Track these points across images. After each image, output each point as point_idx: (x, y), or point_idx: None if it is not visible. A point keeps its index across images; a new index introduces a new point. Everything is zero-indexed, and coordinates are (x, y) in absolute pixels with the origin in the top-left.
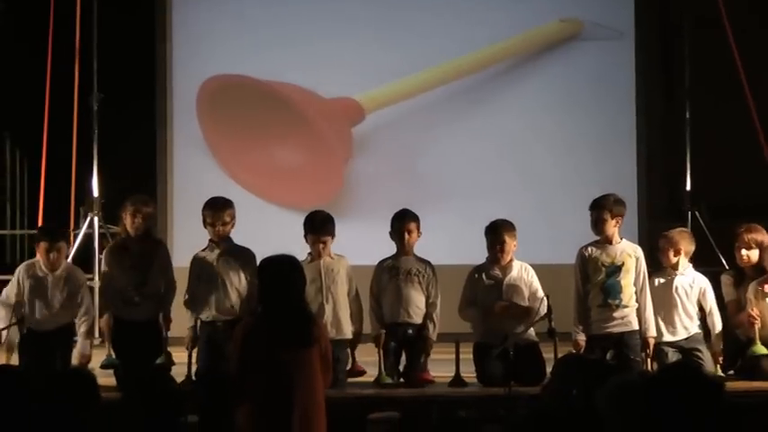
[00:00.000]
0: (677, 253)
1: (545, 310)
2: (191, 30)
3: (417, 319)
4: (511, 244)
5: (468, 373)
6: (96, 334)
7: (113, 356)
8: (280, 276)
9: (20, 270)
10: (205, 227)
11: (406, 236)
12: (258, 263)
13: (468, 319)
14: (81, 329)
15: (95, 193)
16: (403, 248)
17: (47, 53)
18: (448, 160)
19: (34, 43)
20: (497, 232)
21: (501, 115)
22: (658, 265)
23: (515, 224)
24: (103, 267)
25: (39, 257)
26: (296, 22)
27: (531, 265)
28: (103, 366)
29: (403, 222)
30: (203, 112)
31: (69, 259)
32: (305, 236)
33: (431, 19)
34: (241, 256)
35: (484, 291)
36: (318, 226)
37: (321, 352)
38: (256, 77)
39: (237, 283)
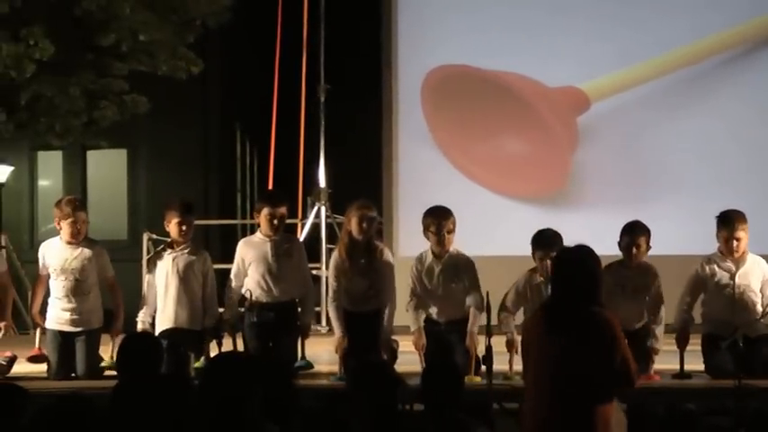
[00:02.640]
0: None
1: None
2: (415, 21)
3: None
4: (745, 236)
5: (695, 364)
6: (323, 322)
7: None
8: (571, 267)
9: (240, 247)
10: (425, 234)
11: (634, 251)
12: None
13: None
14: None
15: (322, 183)
16: (630, 261)
17: (275, 46)
18: (671, 150)
19: (263, 37)
20: (731, 224)
21: (725, 104)
22: None
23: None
24: (332, 269)
25: (260, 224)
26: (518, 13)
27: (761, 256)
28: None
29: (632, 237)
30: (428, 103)
31: None
32: (532, 253)
33: (652, 9)
34: (461, 265)
35: (715, 283)
36: (545, 242)
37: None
38: (480, 67)
39: (457, 292)
